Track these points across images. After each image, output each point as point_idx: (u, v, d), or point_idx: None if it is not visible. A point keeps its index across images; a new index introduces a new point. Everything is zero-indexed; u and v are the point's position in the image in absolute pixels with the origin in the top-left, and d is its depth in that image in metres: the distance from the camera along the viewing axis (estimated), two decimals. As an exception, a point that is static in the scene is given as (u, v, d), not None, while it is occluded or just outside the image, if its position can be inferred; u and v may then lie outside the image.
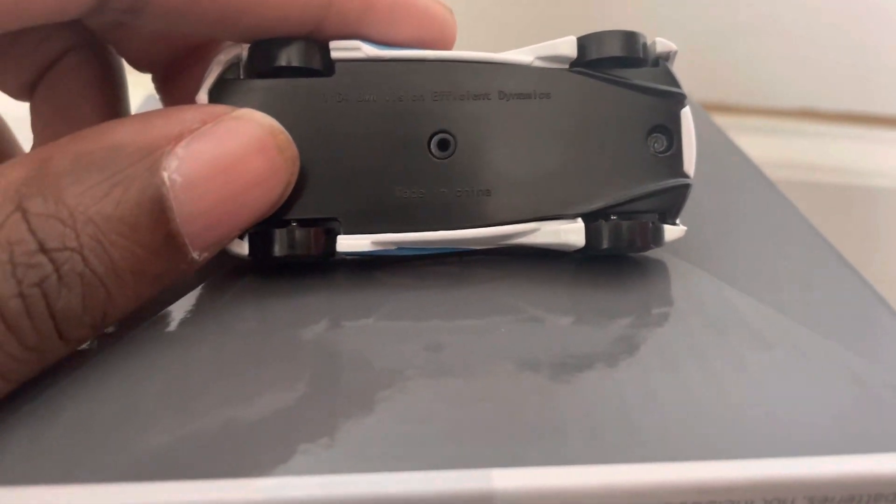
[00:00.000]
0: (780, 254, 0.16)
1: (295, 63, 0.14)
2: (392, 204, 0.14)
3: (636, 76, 0.15)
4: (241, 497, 0.10)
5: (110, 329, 0.13)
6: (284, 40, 0.14)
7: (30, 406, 0.11)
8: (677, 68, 0.15)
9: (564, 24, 0.36)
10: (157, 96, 0.18)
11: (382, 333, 0.13)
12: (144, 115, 0.12)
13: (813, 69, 0.37)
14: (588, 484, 0.10)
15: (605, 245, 0.14)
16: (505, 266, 0.15)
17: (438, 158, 0.14)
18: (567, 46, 0.14)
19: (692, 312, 0.14)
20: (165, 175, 0.11)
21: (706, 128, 0.24)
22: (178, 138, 0.11)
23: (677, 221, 0.15)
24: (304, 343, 0.13)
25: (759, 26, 0.36)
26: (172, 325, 0.13)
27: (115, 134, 0.11)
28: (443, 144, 0.14)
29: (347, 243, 0.14)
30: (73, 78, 0.16)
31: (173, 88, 0.17)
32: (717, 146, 0.23)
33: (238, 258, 0.14)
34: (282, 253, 0.14)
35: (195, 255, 0.12)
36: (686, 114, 0.15)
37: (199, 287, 0.14)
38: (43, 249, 0.10)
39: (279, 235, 0.14)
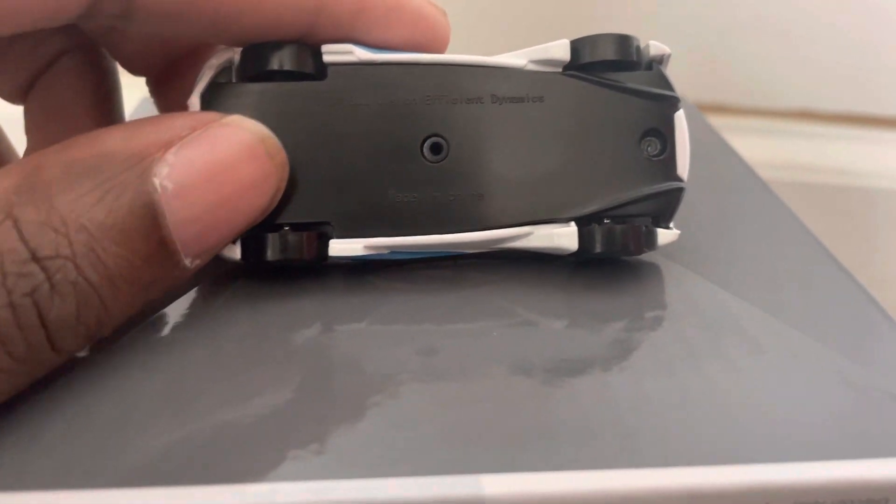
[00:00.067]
0: (773, 257, 0.16)
1: (287, 67, 0.14)
2: (385, 208, 0.14)
3: (630, 79, 0.14)
4: (232, 502, 0.10)
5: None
6: (276, 44, 0.14)
7: (23, 411, 0.11)
8: (676, 70, 0.15)
9: (562, 24, 0.36)
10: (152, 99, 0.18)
11: (375, 337, 0.13)
12: (134, 123, 0.12)
13: (812, 70, 0.37)
14: (580, 490, 0.10)
15: (598, 249, 0.14)
16: (498, 269, 0.15)
17: (431, 162, 0.14)
18: (560, 50, 0.14)
19: (686, 316, 0.14)
20: (157, 181, 0.11)
21: (701, 129, 0.24)
22: (168, 145, 0.11)
23: (671, 225, 0.15)
24: (296, 347, 0.13)
25: (758, 27, 0.36)
26: (165, 330, 0.13)
27: (105, 141, 0.11)
28: (436, 148, 0.14)
29: (340, 247, 0.14)
30: (67, 81, 0.16)
31: (167, 92, 0.17)
32: (712, 148, 0.23)
33: (230, 262, 0.14)
34: (274, 257, 0.14)
35: (187, 261, 0.12)
36: (679, 117, 0.15)
37: (192, 291, 0.14)
38: (35, 258, 0.10)
39: (272, 239, 0.14)
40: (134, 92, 0.20)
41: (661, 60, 0.15)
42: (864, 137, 0.38)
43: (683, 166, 0.15)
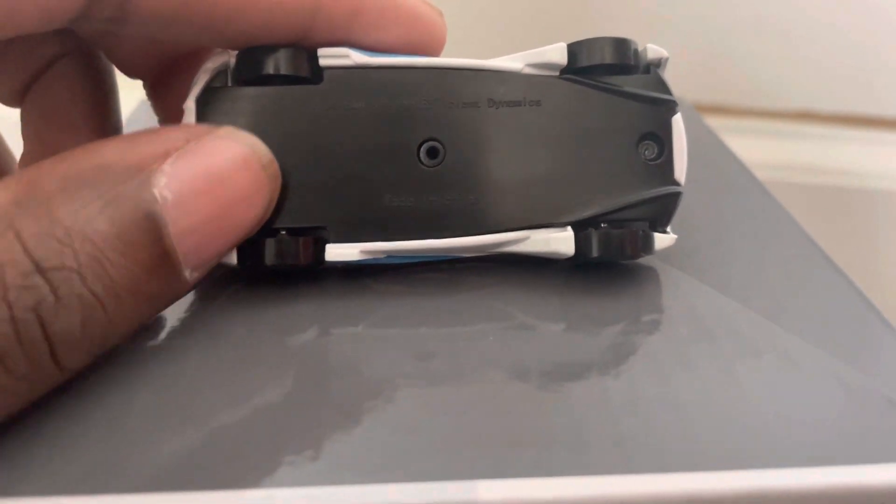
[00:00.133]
0: (770, 260, 0.16)
1: (283, 71, 0.14)
2: (381, 212, 0.14)
3: (627, 83, 0.14)
4: (226, 508, 0.10)
5: None
6: (272, 48, 0.14)
7: (18, 417, 0.11)
8: (674, 70, 0.15)
9: (559, 26, 0.36)
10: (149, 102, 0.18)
11: (371, 341, 0.13)
12: (129, 136, 0.12)
13: (812, 71, 0.37)
14: (576, 495, 0.10)
15: (594, 254, 0.14)
16: (495, 273, 0.15)
17: (428, 166, 0.14)
18: (557, 53, 0.14)
19: (682, 320, 0.14)
20: (156, 192, 0.11)
21: (699, 131, 0.24)
22: (165, 157, 0.11)
23: (668, 229, 0.15)
24: (292, 351, 0.13)
25: (758, 27, 0.36)
26: (162, 334, 0.13)
27: (102, 154, 0.11)
28: (432, 152, 0.14)
29: (336, 252, 0.14)
30: (63, 84, 0.16)
31: (164, 95, 0.17)
32: (709, 150, 0.22)
33: (227, 267, 0.14)
34: (270, 262, 0.14)
35: (187, 273, 0.12)
36: (677, 121, 0.15)
37: (189, 296, 0.14)
38: (39, 269, 0.10)
39: (268, 244, 0.14)
40: (131, 94, 0.20)
41: (658, 64, 0.15)
42: (865, 138, 0.38)
43: (681, 170, 0.15)
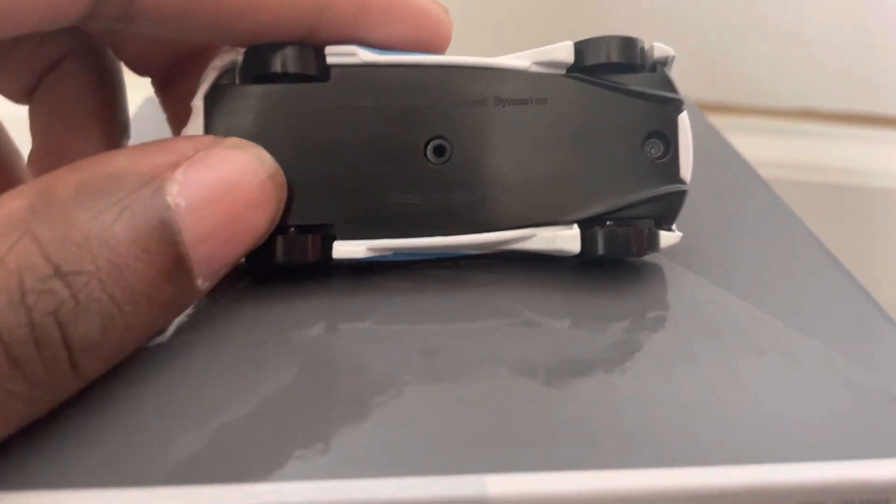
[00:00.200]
0: (775, 258, 0.16)
1: (290, 69, 0.14)
2: (388, 210, 0.14)
3: (633, 82, 0.14)
4: (237, 502, 0.10)
5: None
6: (279, 46, 0.14)
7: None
8: (678, 69, 0.15)
9: (565, 25, 0.36)
10: (156, 99, 0.18)
11: (378, 338, 0.13)
12: (139, 146, 0.12)
13: (814, 69, 0.37)
14: (581, 490, 0.10)
15: (600, 251, 0.14)
16: (501, 270, 0.15)
17: (435, 164, 0.14)
18: (564, 52, 0.14)
19: (687, 317, 0.14)
20: (169, 199, 0.11)
21: (703, 130, 0.24)
22: (175, 166, 0.11)
23: (673, 227, 0.15)
24: (299, 348, 0.13)
25: (760, 26, 0.36)
26: (169, 330, 0.13)
27: (114, 162, 0.11)
28: (439, 150, 0.14)
29: (344, 249, 0.14)
30: (71, 82, 0.16)
31: (172, 92, 0.17)
32: (714, 148, 0.23)
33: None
34: (279, 259, 0.14)
35: (199, 281, 0.12)
36: (683, 119, 0.15)
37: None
38: (59, 273, 0.10)
39: (278, 241, 0.14)
40: (138, 92, 0.20)
41: (664, 62, 0.15)
42: (867, 137, 0.38)
43: (686, 169, 0.15)
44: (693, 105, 0.27)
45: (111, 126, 0.17)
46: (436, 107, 0.14)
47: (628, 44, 0.14)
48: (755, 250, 0.16)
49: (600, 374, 0.12)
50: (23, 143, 0.17)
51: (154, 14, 0.13)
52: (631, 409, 0.12)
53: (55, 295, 0.10)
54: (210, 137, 0.13)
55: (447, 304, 0.14)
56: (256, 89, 0.14)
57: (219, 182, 0.12)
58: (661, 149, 0.15)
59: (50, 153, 0.16)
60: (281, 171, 0.13)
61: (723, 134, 0.24)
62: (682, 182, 0.15)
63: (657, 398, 0.12)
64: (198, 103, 0.14)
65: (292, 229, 0.14)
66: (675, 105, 0.15)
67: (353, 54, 0.14)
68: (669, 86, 0.15)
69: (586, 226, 0.14)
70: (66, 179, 0.11)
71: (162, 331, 0.13)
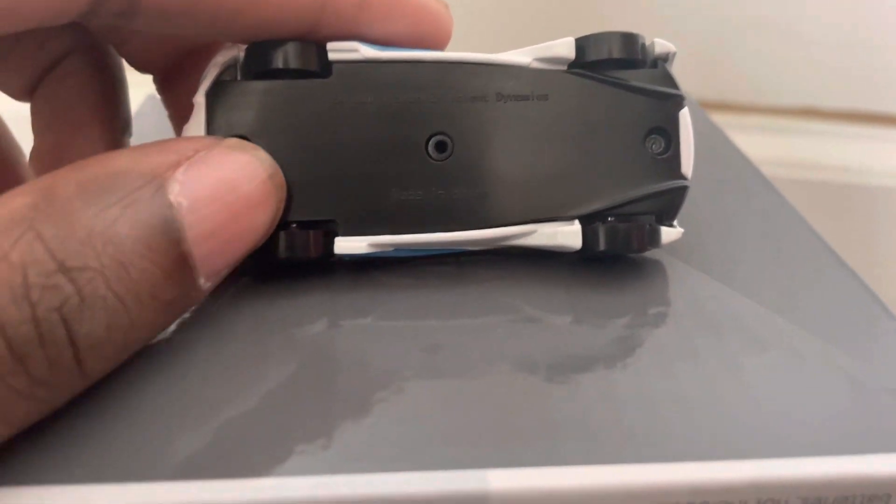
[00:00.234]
0: (777, 255, 0.16)
1: (292, 65, 0.14)
2: (389, 206, 0.14)
3: (634, 78, 0.15)
4: (236, 498, 0.10)
5: None
6: (281, 42, 0.14)
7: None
8: (679, 67, 0.15)
9: (566, 21, 0.36)
10: (158, 96, 0.18)
11: (380, 334, 0.13)
12: (140, 147, 0.12)
13: (815, 67, 0.37)
14: (583, 485, 0.10)
15: (601, 247, 0.14)
16: (502, 266, 0.15)
17: (436, 160, 0.14)
18: (565, 48, 0.14)
19: (689, 313, 0.14)
20: (172, 198, 0.11)
21: (704, 127, 0.24)
22: (176, 166, 0.12)
23: (674, 223, 0.15)
24: (301, 343, 0.13)
25: (762, 24, 0.36)
26: (172, 327, 0.13)
27: (115, 162, 0.11)
28: (440, 146, 0.14)
29: (345, 245, 0.14)
30: (73, 79, 0.16)
31: (174, 89, 0.17)
32: (716, 145, 0.23)
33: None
34: (281, 254, 0.14)
35: (202, 281, 0.12)
36: (684, 115, 0.15)
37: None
38: (63, 268, 0.10)
39: (280, 237, 0.14)
40: (139, 90, 0.20)
41: (666, 58, 0.15)
42: (868, 135, 0.38)
43: (688, 165, 0.15)
44: (694, 102, 0.27)
45: (113, 123, 0.17)
46: (437, 103, 0.14)
47: (629, 40, 0.14)
48: (757, 247, 0.16)
49: (601, 370, 0.12)
50: (25, 140, 0.17)
51: (156, 10, 0.13)
52: (632, 405, 0.12)
53: (60, 290, 0.10)
54: (210, 138, 0.13)
55: (448, 301, 0.14)
56: (258, 85, 0.14)
57: (219, 182, 0.12)
58: (663, 145, 0.15)
59: (52, 151, 0.16)
60: (280, 172, 0.13)
61: (724, 132, 0.24)
62: (683, 178, 0.15)
63: (658, 394, 0.12)
64: (199, 99, 0.14)
65: (294, 225, 0.14)
66: (677, 101, 0.15)
67: (355, 50, 0.14)
68: (670, 82, 0.15)
69: (587, 222, 0.14)
70: (68, 178, 0.11)
71: (164, 327, 0.13)
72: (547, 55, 0.14)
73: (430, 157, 0.14)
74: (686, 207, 0.15)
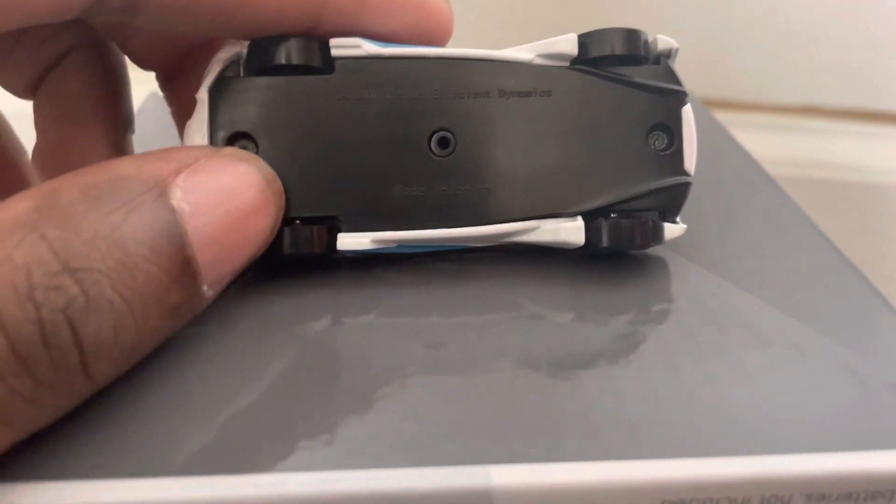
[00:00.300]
0: (780, 251, 0.16)
1: (294, 61, 0.14)
2: (392, 202, 0.14)
3: (637, 74, 0.15)
4: (240, 493, 0.10)
5: None
6: (283, 38, 0.14)
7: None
8: (680, 65, 0.15)
9: (569, 18, 0.36)
10: (160, 93, 0.18)
11: (382, 331, 0.13)
12: (142, 155, 0.12)
13: (817, 65, 0.37)
14: (586, 481, 0.10)
15: (604, 243, 0.14)
16: (505, 263, 0.15)
17: (439, 156, 0.14)
18: (568, 44, 0.14)
19: (692, 310, 0.14)
20: (174, 203, 0.11)
21: (707, 124, 0.24)
22: (177, 172, 0.12)
23: (677, 219, 0.15)
24: (304, 340, 0.13)
25: (763, 22, 0.36)
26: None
27: (118, 168, 0.11)
28: (443, 142, 0.14)
29: (348, 241, 0.14)
30: (76, 76, 0.16)
31: (177, 86, 0.17)
32: (719, 143, 0.23)
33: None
34: (285, 250, 0.14)
35: (205, 288, 0.12)
36: (687, 112, 0.15)
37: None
38: (68, 269, 0.10)
39: (285, 233, 0.14)
40: (142, 88, 0.20)
41: (668, 55, 0.15)
42: (870, 133, 0.38)
43: (691, 161, 0.15)
44: (697, 99, 0.27)
45: (115, 121, 0.17)
46: (440, 99, 0.14)
47: (632, 36, 0.14)
48: (759, 243, 0.16)
49: (604, 367, 0.12)
50: (27, 138, 0.17)
51: (158, 6, 0.13)
52: (635, 401, 0.12)
53: (65, 291, 0.10)
54: (209, 147, 0.13)
55: (451, 297, 0.14)
56: (261, 81, 0.14)
57: (220, 189, 0.12)
58: (665, 141, 0.15)
59: (54, 148, 0.17)
60: (279, 180, 0.13)
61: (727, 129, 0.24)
62: (686, 174, 0.15)
63: (661, 390, 0.12)
64: (202, 96, 0.14)
65: (298, 221, 0.14)
66: (679, 97, 0.15)
67: (358, 46, 0.14)
68: (673, 78, 0.15)
69: (590, 218, 0.14)
70: (72, 183, 0.11)
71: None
72: (550, 51, 0.14)
73: (433, 153, 0.14)
74: (689, 204, 0.15)
